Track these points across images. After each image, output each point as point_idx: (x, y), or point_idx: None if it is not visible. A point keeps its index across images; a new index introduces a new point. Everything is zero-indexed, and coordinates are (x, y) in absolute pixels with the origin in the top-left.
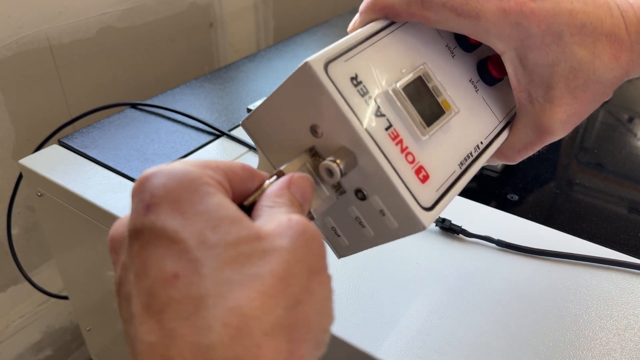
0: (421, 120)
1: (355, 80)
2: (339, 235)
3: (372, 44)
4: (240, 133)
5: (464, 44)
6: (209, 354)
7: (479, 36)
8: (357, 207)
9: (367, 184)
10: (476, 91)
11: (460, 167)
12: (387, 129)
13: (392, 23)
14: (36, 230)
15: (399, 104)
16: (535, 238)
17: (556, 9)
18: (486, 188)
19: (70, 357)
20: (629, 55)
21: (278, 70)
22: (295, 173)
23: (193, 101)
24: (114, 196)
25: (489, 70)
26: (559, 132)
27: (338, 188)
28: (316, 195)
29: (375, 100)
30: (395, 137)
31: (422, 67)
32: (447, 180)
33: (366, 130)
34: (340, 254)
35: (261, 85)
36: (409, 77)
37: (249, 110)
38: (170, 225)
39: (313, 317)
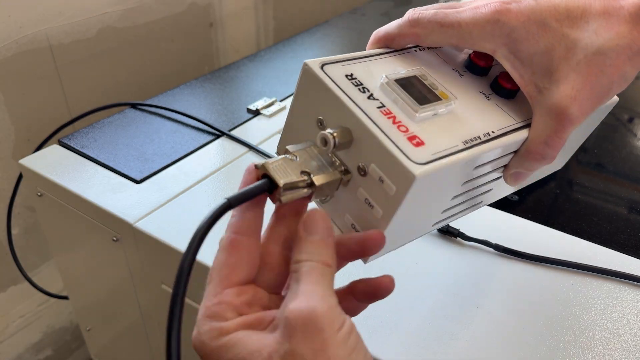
0: (413, 100)
1: (350, 77)
2: (359, 232)
3: (372, 60)
4: (240, 133)
5: (473, 69)
6: None
7: (465, 41)
8: (363, 188)
9: (365, 156)
10: (488, 99)
11: (465, 144)
12: (379, 107)
13: (393, 51)
14: (36, 230)
15: (391, 90)
16: (535, 239)
17: (534, 7)
18: None
19: (70, 357)
20: (629, 26)
21: (278, 70)
22: (300, 223)
23: (193, 101)
24: (114, 196)
25: (500, 84)
26: (574, 110)
27: (344, 169)
28: (323, 171)
29: (367, 89)
30: (387, 114)
31: (419, 69)
32: (446, 149)
33: (356, 104)
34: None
35: (261, 85)
36: (403, 73)
37: (249, 110)
38: None
39: None
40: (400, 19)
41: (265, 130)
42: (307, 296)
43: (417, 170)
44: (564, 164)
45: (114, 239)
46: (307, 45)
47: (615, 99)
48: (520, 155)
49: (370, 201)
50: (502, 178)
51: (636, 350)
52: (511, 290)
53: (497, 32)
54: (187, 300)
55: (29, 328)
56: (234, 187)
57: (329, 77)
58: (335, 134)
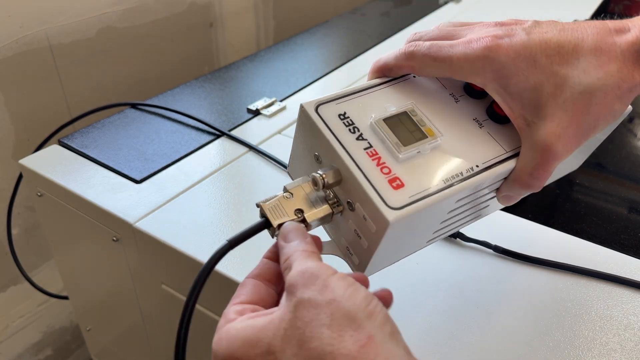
0: (397, 141)
1: (342, 116)
2: (351, 254)
3: (367, 93)
4: (240, 133)
5: (471, 92)
6: None
7: (457, 75)
8: (352, 220)
9: (351, 194)
10: (480, 127)
11: (445, 183)
12: (366, 148)
13: (392, 79)
14: (36, 230)
15: (379, 130)
16: (535, 239)
17: (526, 42)
18: None
19: (70, 357)
20: (619, 64)
21: (278, 70)
22: (282, 231)
23: (193, 101)
24: (114, 196)
25: (494, 110)
26: (559, 147)
27: (337, 204)
28: (315, 207)
29: (357, 129)
30: (373, 155)
31: (410, 104)
32: (425, 190)
33: (344, 148)
34: (356, 270)
35: (261, 85)
36: (392, 111)
37: (249, 110)
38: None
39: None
40: (398, 50)
41: (265, 130)
42: (299, 264)
43: (391, 216)
44: (581, 164)
45: (114, 239)
46: (307, 45)
47: (630, 107)
48: (508, 182)
49: (358, 232)
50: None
51: (636, 350)
52: (511, 291)
53: (487, 67)
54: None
55: (29, 328)
56: (234, 187)
57: (321, 119)
58: (324, 176)
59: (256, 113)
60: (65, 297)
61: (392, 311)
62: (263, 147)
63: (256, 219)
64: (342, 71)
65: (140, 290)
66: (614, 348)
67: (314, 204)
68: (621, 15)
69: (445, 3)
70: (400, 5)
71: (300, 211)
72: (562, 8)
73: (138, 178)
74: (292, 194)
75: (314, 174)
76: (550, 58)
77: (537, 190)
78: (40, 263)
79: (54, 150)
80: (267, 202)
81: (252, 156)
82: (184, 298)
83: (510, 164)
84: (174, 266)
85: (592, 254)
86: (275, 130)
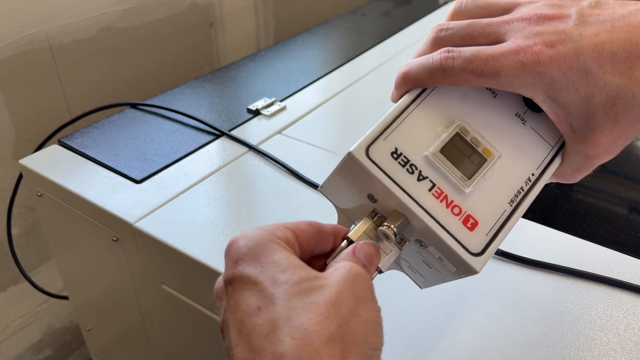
0: (462, 175)
1: (395, 154)
2: (415, 272)
3: (408, 115)
4: (240, 133)
5: None
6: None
7: (504, 88)
8: (421, 253)
9: (423, 237)
10: (523, 123)
11: (511, 205)
12: (430, 189)
13: (424, 90)
14: (36, 230)
15: (438, 164)
16: (535, 239)
17: (578, 49)
18: None
19: (70, 357)
20: None
21: (278, 70)
22: (359, 242)
23: (193, 101)
24: (114, 196)
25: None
26: (606, 155)
27: (401, 239)
28: (382, 251)
29: (415, 167)
30: (439, 195)
31: (458, 122)
32: (497, 221)
33: (410, 196)
34: (422, 286)
35: (261, 85)
36: (444, 137)
37: (249, 110)
38: (252, 272)
39: (360, 333)
40: (430, 61)
41: (265, 130)
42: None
43: (478, 266)
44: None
45: (114, 239)
46: (307, 45)
47: None
48: (553, 175)
49: (429, 263)
50: None
51: (636, 350)
52: (511, 291)
53: (537, 82)
54: (188, 301)
55: (29, 328)
56: (234, 187)
57: (375, 164)
58: (393, 227)
59: (256, 113)
60: (65, 297)
61: (393, 311)
62: (263, 147)
63: (256, 219)
64: (342, 71)
65: (140, 290)
66: (614, 348)
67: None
68: None
69: (445, 3)
70: (400, 5)
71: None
72: None
73: (138, 178)
74: (353, 240)
75: (382, 228)
76: (602, 67)
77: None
78: (40, 263)
79: (54, 150)
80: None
81: (252, 156)
82: (184, 298)
83: (557, 163)
84: (174, 266)
85: (592, 254)
86: (275, 130)
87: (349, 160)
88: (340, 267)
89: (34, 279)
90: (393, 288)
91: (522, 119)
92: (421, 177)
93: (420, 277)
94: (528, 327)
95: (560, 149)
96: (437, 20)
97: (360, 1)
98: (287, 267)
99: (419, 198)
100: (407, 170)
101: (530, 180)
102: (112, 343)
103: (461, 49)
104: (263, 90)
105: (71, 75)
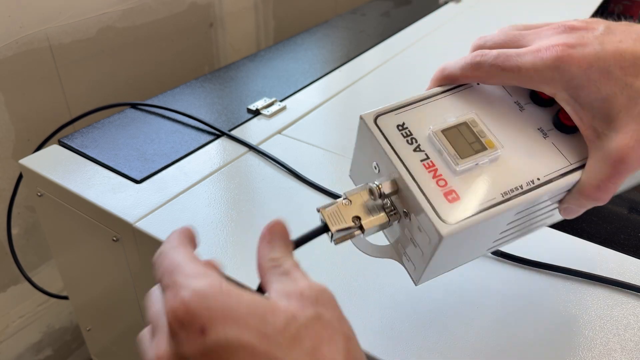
0: (455, 153)
1: (401, 127)
2: (408, 260)
3: (429, 102)
4: (240, 133)
5: (538, 100)
6: None
7: (525, 84)
8: (408, 229)
9: (407, 205)
10: (544, 137)
11: (503, 197)
12: (422, 160)
13: (454, 87)
14: (36, 230)
15: (436, 141)
16: (534, 239)
17: (599, 53)
18: None
19: (70, 357)
20: None
21: (278, 70)
22: (263, 229)
23: (193, 101)
24: (114, 196)
25: (560, 119)
26: (632, 159)
27: (394, 212)
28: (372, 214)
29: (415, 140)
30: (429, 167)
31: (470, 115)
32: (482, 204)
33: (401, 160)
34: (414, 279)
35: (261, 85)
36: (452, 121)
37: (249, 110)
38: (232, 335)
39: (359, 353)
40: (464, 59)
41: (265, 130)
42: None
43: (444, 230)
44: None
45: (114, 239)
46: (307, 45)
47: None
48: (573, 194)
49: (414, 241)
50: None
51: (636, 350)
52: (511, 291)
53: (557, 78)
54: None
55: (29, 328)
56: (234, 187)
57: (380, 130)
58: (380, 187)
59: (256, 113)
60: (65, 297)
61: (394, 311)
62: (263, 147)
63: (256, 219)
64: (342, 71)
65: (140, 290)
66: (614, 348)
67: (371, 211)
68: (620, 16)
69: (445, 3)
70: (400, 5)
71: (357, 218)
72: (562, 8)
73: (138, 178)
74: (350, 201)
75: (370, 184)
76: (624, 70)
77: (602, 204)
78: (40, 263)
79: (54, 150)
80: (327, 208)
81: (252, 156)
82: None
83: (574, 177)
84: None
85: (592, 254)
86: (275, 130)
87: (360, 125)
88: (304, 296)
89: (34, 279)
90: (392, 288)
91: (545, 134)
92: (418, 149)
93: (412, 266)
94: (528, 327)
95: (579, 169)
96: (437, 20)
97: (360, 1)
98: (264, 314)
99: (409, 164)
100: (407, 141)
101: (533, 183)
102: (112, 343)
103: (491, 50)
104: (263, 90)
105: (71, 75)
